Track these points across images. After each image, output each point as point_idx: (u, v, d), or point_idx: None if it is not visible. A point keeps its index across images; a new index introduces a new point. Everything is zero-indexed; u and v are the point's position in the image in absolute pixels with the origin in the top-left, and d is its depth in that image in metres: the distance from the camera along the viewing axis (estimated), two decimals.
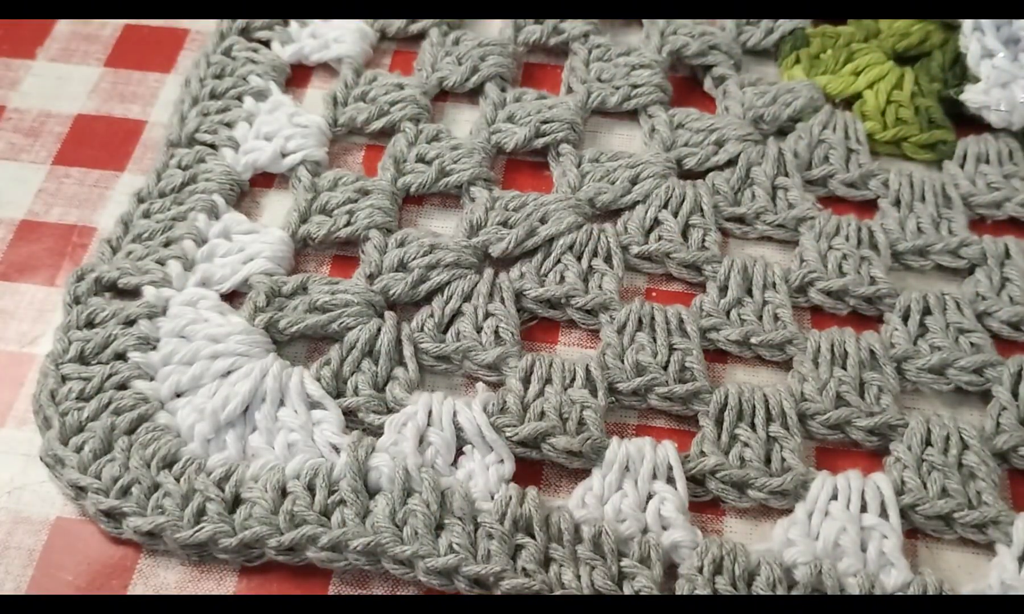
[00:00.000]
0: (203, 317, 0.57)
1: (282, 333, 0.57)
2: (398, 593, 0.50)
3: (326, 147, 0.66)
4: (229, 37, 0.72)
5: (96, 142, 0.68)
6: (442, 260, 0.59)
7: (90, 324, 0.57)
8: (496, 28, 0.74)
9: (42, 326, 0.59)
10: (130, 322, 0.57)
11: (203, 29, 0.75)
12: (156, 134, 0.68)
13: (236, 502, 0.51)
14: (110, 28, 0.75)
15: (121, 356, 0.56)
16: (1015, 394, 0.55)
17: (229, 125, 0.67)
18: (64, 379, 0.55)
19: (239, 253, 0.60)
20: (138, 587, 0.50)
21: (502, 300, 0.58)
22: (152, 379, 0.55)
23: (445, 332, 0.58)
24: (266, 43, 0.72)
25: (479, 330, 0.57)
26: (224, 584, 0.50)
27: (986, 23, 0.70)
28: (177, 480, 0.51)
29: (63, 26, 0.75)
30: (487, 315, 0.58)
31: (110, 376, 0.55)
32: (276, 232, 0.61)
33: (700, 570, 0.49)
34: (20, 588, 0.50)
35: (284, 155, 0.65)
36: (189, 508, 0.50)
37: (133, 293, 0.59)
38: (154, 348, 0.56)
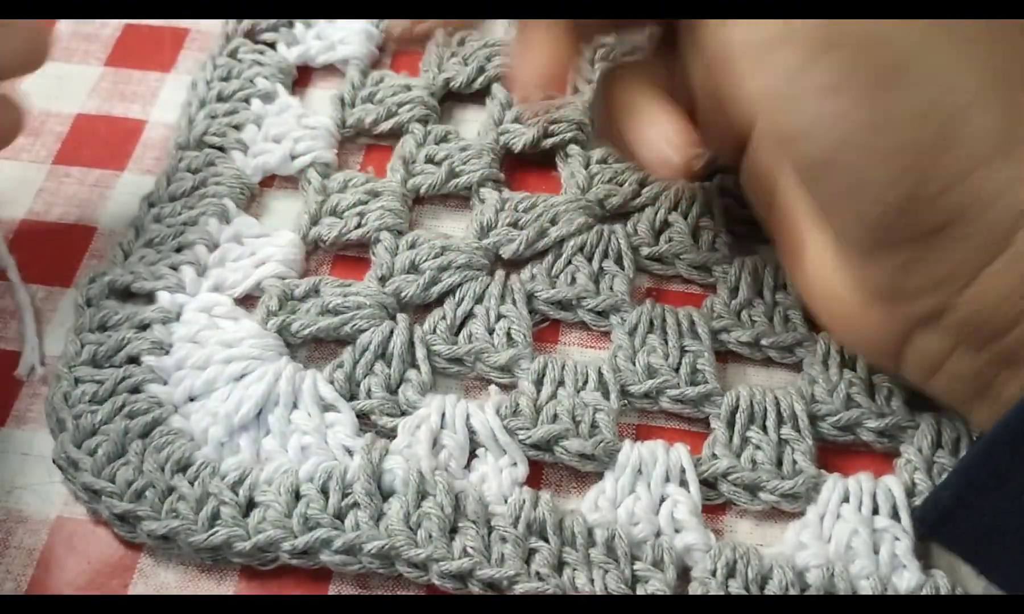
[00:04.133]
0: (216, 322, 0.57)
1: (295, 336, 0.57)
2: (398, 593, 0.50)
3: (335, 149, 0.66)
4: (234, 39, 0.71)
5: (96, 141, 0.68)
6: (454, 262, 0.59)
7: (103, 328, 0.57)
8: (501, 28, 0.74)
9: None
10: (144, 326, 0.57)
11: (203, 29, 0.74)
12: (156, 133, 0.68)
13: (250, 505, 0.51)
14: (110, 28, 0.75)
15: (134, 360, 0.56)
16: None
17: (237, 127, 0.66)
18: (77, 382, 0.55)
19: (251, 257, 0.60)
20: (138, 587, 0.50)
21: (514, 302, 0.58)
22: (165, 383, 0.55)
23: (457, 334, 0.58)
24: (271, 45, 0.72)
25: (491, 332, 0.57)
26: (224, 584, 0.50)
27: None
28: (191, 484, 0.51)
29: (63, 26, 0.74)
30: (499, 317, 0.58)
31: (123, 379, 0.54)
32: (287, 235, 0.61)
33: (713, 573, 0.49)
34: (20, 588, 0.50)
35: (293, 157, 0.65)
36: (203, 512, 0.50)
37: (140, 296, 0.59)
38: (167, 352, 0.56)
